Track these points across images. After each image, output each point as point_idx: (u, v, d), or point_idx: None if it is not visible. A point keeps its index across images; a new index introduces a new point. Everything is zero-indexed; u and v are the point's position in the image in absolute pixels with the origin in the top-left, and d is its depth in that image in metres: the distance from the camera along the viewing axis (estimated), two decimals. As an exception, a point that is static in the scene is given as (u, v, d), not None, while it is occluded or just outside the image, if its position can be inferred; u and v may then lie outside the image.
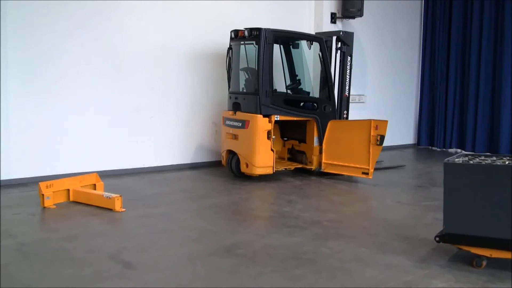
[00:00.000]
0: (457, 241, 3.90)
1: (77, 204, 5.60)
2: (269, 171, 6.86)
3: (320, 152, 7.23)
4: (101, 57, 7.11)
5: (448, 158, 3.99)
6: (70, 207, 5.52)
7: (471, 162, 3.92)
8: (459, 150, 10.21)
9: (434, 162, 9.10)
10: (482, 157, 4.14)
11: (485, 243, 3.74)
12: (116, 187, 6.22)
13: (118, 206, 5.32)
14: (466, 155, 4.24)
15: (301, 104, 7.38)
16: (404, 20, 10.78)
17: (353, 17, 9.25)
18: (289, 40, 7.73)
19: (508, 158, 4.09)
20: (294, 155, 7.79)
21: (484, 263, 3.80)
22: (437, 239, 3.98)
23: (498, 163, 3.83)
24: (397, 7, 10.56)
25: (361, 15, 9.11)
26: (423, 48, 11.00)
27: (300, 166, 7.48)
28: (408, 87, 11.11)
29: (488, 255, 3.77)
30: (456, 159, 4.02)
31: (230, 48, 7.36)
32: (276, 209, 5.63)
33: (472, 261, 3.84)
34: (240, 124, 6.94)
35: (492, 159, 4.06)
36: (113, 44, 7.21)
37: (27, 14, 6.44)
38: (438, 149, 10.62)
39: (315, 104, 7.41)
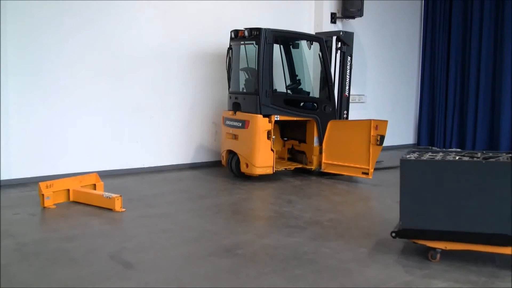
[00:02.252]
0: (413, 235, 4.01)
1: (77, 204, 5.60)
2: (269, 171, 6.86)
3: (320, 152, 7.23)
4: (101, 57, 7.11)
5: (403, 155, 4.11)
6: (70, 207, 5.52)
7: (422, 158, 4.04)
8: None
9: (434, 162, 9.08)
10: (431, 152, 4.29)
11: (440, 236, 3.88)
12: (116, 187, 6.22)
13: (118, 206, 5.32)
14: (414, 151, 4.37)
15: (301, 104, 7.38)
16: (404, 20, 10.78)
17: (353, 17, 9.25)
18: (289, 40, 7.73)
19: (455, 153, 4.24)
20: (294, 155, 7.79)
21: (439, 256, 3.92)
22: (393, 234, 4.07)
23: (449, 159, 3.97)
24: (397, 7, 10.56)
25: (361, 15, 9.11)
26: (423, 48, 11.00)
27: (300, 166, 7.48)
28: (408, 87, 11.11)
29: (443, 248, 3.91)
30: (408, 156, 4.13)
31: (230, 48, 7.36)
32: (276, 209, 5.63)
33: (427, 255, 3.95)
34: (240, 124, 6.94)
35: (441, 154, 4.21)
36: (113, 44, 7.21)
37: (27, 14, 6.44)
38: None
39: (315, 104, 7.41)
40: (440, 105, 10.59)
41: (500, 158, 3.93)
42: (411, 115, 11.27)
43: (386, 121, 6.63)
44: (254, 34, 6.84)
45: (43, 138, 6.71)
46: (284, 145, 7.95)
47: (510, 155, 4.00)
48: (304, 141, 7.51)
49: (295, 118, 7.14)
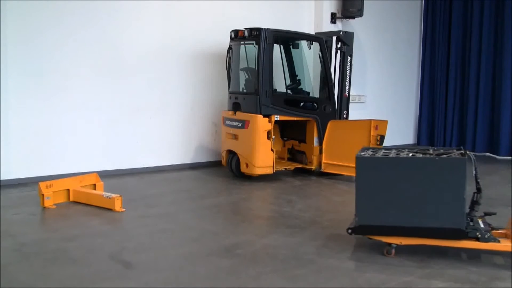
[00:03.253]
0: (368, 231, 4.07)
1: (77, 204, 5.60)
2: (269, 171, 6.86)
3: (320, 152, 7.23)
4: (100, 57, 7.11)
5: (358, 153, 4.19)
6: (70, 207, 5.52)
7: (376, 155, 4.11)
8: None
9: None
10: (384, 150, 4.35)
11: (395, 231, 3.96)
12: (116, 187, 6.22)
13: (118, 206, 5.32)
14: (368, 148, 4.45)
15: (301, 104, 7.38)
16: (404, 20, 10.77)
17: (353, 17, 9.24)
18: (289, 40, 7.72)
19: (409, 150, 4.31)
20: (294, 155, 7.79)
21: (394, 251, 4.00)
22: (350, 231, 4.12)
23: (403, 156, 4.04)
24: (397, 7, 10.55)
25: (361, 15, 9.10)
26: (423, 48, 10.99)
27: (300, 166, 7.48)
28: (408, 87, 11.11)
29: (398, 243, 3.99)
30: (362, 153, 4.18)
31: (230, 48, 7.35)
32: (276, 209, 5.63)
33: (383, 250, 4.01)
34: (240, 124, 6.94)
35: (394, 151, 4.26)
36: (113, 44, 7.21)
37: (27, 14, 6.44)
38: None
39: (315, 104, 7.41)
40: (440, 105, 10.59)
41: (451, 154, 4.02)
42: (411, 115, 11.26)
43: (386, 121, 6.63)
44: (254, 34, 6.84)
45: (43, 138, 6.71)
46: (284, 145, 7.95)
47: (461, 151, 4.10)
48: (304, 141, 7.51)
49: (295, 118, 7.14)
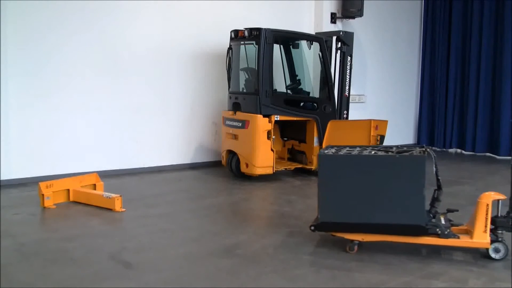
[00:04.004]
0: (331, 228, 4.13)
1: (77, 204, 5.60)
2: (269, 171, 6.86)
3: (320, 152, 7.22)
4: (101, 57, 7.11)
5: (321, 150, 4.26)
6: (70, 207, 5.52)
7: (339, 153, 4.16)
8: (459, 150, 10.21)
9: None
10: (348, 148, 4.42)
11: (357, 228, 4.01)
12: (116, 187, 6.22)
13: (118, 206, 5.32)
14: (333, 147, 4.50)
15: (301, 104, 7.38)
16: (404, 20, 10.77)
17: (353, 17, 9.24)
18: (289, 40, 7.73)
19: (371, 148, 4.38)
20: (294, 155, 7.79)
21: (356, 247, 4.05)
22: (312, 228, 4.15)
23: (365, 153, 4.10)
24: (397, 7, 10.55)
25: (361, 15, 9.10)
26: (423, 48, 10.99)
27: (300, 166, 7.48)
28: (408, 87, 11.10)
29: (361, 239, 4.06)
30: (326, 151, 4.23)
31: (230, 48, 7.35)
32: (276, 209, 5.63)
33: (345, 247, 4.06)
34: (240, 124, 6.94)
35: (358, 149, 4.32)
36: (113, 44, 7.21)
37: (27, 14, 6.44)
38: (438, 149, 10.61)
39: (315, 104, 7.41)
40: (440, 105, 10.59)
41: (413, 152, 4.06)
42: (411, 115, 11.26)
43: (386, 121, 6.63)
44: (254, 34, 6.84)
45: (43, 138, 6.71)
46: (284, 145, 7.95)
47: (423, 149, 4.14)
48: (304, 141, 7.51)
49: (295, 118, 7.13)
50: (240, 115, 7.01)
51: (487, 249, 3.90)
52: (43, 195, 5.38)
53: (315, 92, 7.83)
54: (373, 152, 4.14)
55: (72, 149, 6.94)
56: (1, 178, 6.39)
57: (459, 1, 10.12)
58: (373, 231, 4.00)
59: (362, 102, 10.06)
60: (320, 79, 7.65)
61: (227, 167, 7.35)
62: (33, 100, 6.60)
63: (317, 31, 8.84)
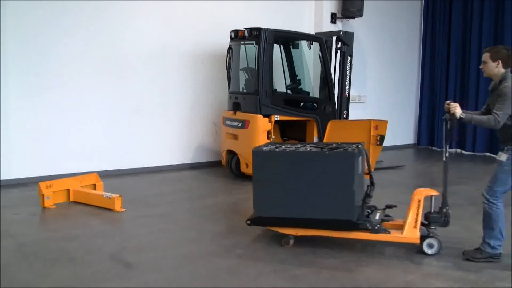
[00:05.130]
0: (266, 223, 4.24)
1: (77, 204, 5.60)
2: (269, 171, 6.84)
3: (320, 152, 7.22)
4: (101, 57, 7.11)
5: (256, 147, 4.37)
6: (70, 207, 5.52)
7: (277, 149, 4.25)
8: (459, 150, 10.21)
9: (433, 162, 9.09)
10: (288, 145, 4.51)
11: (291, 223, 4.11)
12: (116, 187, 6.22)
13: (118, 206, 5.33)
14: (274, 144, 4.59)
15: (301, 104, 7.38)
16: (404, 20, 10.77)
17: (353, 17, 9.24)
18: (289, 40, 7.73)
19: (311, 145, 4.46)
20: (294, 155, 7.77)
21: (292, 241, 4.13)
22: (249, 222, 4.26)
23: (300, 150, 4.20)
24: (397, 7, 10.55)
25: (361, 15, 9.11)
26: (423, 48, 10.99)
27: (300, 166, 7.46)
28: (408, 87, 11.11)
29: (295, 234, 4.17)
30: (264, 148, 4.33)
31: (230, 48, 7.35)
32: (276, 209, 5.62)
33: (281, 241, 4.15)
34: (240, 124, 6.94)
35: (296, 146, 4.41)
36: (113, 44, 7.21)
37: (27, 14, 6.44)
38: (438, 149, 10.60)
39: (315, 104, 7.41)
40: (440, 105, 10.57)
41: (349, 149, 4.15)
42: (411, 115, 11.26)
43: (386, 121, 6.63)
44: (254, 34, 6.84)
45: (43, 138, 6.71)
46: (284, 145, 7.94)
47: (358, 146, 4.24)
48: (304, 141, 7.51)
49: (295, 118, 7.14)
50: (240, 115, 7.00)
51: (420, 244, 3.98)
52: (43, 195, 5.38)
53: (315, 92, 7.83)
54: (308, 149, 4.24)
55: (72, 149, 6.94)
56: (1, 178, 6.39)
57: (459, 1, 10.12)
58: (306, 226, 4.09)
59: (362, 102, 10.06)
60: (320, 79, 7.66)
61: (227, 167, 7.35)
62: (33, 100, 6.60)
63: (317, 31, 8.85)
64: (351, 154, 4.00)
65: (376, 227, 4.01)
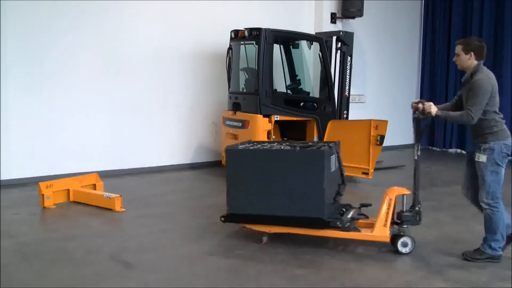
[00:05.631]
0: (240, 220, 4.27)
1: (77, 204, 5.60)
2: (269, 171, 6.84)
3: (320, 152, 7.21)
4: (101, 57, 7.11)
5: (232, 145, 4.40)
6: (70, 207, 5.52)
7: (251, 147, 4.29)
8: (459, 150, 10.21)
9: (433, 162, 9.09)
10: (265, 144, 4.54)
11: (264, 220, 4.13)
12: (116, 187, 6.21)
13: (118, 206, 5.32)
14: (250, 142, 4.61)
15: (301, 104, 7.38)
16: (404, 20, 10.77)
17: (353, 17, 9.24)
18: (289, 40, 7.72)
19: (287, 143, 4.47)
20: (294, 155, 7.77)
21: (265, 238, 4.17)
22: (223, 219, 4.30)
23: (274, 148, 4.24)
24: (397, 7, 10.55)
25: (361, 15, 9.10)
26: (423, 48, 10.99)
27: (300, 166, 7.46)
28: (408, 87, 11.10)
29: (268, 231, 4.20)
30: (240, 146, 4.35)
31: (230, 48, 7.35)
32: (276, 209, 5.61)
33: (256, 238, 4.18)
34: (240, 124, 6.94)
35: (272, 144, 4.44)
36: (113, 44, 7.21)
37: (27, 14, 6.44)
38: (438, 149, 10.61)
39: (315, 104, 7.41)
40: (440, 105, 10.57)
41: (322, 147, 4.18)
42: (411, 115, 11.21)
43: (386, 121, 6.62)
44: (254, 34, 6.84)
45: (43, 138, 6.70)
46: (284, 145, 7.94)
47: (332, 144, 4.28)
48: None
49: (295, 118, 7.13)
50: (240, 115, 7.00)
51: (395, 243, 3.99)
52: (43, 195, 5.38)
53: (315, 92, 7.83)
54: (282, 147, 4.27)
55: (72, 149, 6.93)
56: (1, 178, 6.39)
57: (459, 1, 10.12)
58: (279, 223, 4.10)
59: (362, 102, 10.06)
60: (320, 79, 7.65)
61: (227, 167, 7.34)
62: (33, 100, 6.60)
63: (317, 31, 8.84)
64: (321, 152, 4.03)
65: (346, 225, 4.02)
